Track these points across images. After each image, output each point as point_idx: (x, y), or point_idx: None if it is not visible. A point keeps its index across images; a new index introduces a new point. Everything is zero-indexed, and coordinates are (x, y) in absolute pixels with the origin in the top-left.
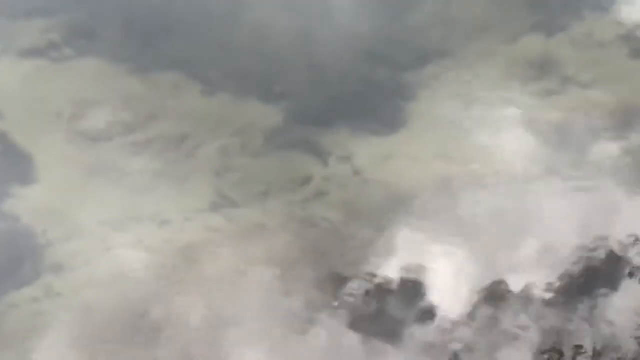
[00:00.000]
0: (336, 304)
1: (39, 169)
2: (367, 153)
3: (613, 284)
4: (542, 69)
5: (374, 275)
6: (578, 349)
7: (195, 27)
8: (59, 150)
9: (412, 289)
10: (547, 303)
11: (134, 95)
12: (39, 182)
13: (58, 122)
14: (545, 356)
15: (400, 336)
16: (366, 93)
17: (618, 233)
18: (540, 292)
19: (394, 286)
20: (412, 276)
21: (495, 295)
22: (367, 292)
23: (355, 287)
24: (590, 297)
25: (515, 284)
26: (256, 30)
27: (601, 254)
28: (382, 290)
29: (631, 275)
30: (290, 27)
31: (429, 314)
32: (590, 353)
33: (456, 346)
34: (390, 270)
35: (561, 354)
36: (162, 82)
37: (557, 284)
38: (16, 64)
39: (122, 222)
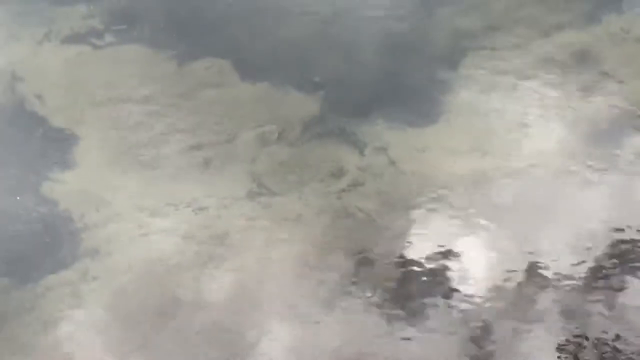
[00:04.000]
0: (369, 294)
1: (78, 154)
2: (403, 144)
3: None
4: (579, 63)
5: (407, 265)
6: (603, 333)
7: (236, 15)
8: (98, 136)
9: (443, 276)
10: (576, 288)
11: (173, 82)
12: (77, 167)
13: (98, 107)
14: (569, 340)
15: (429, 320)
16: (402, 85)
17: None
18: (569, 278)
19: (427, 275)
20: (443, 264)
21: (524, 281)
22: (401, 282)
23: (388, 276)
24: (618, 283)
25: (545, 272)
26: (296, 20)
27: (634, 244)
28: (415, 279)
29: None
30: (329, 17)
31: (458, 296)
32: (615, 338)
33: (482, 327)
34: (424, 260)
35: (586, 338)
36: (202, 69)
37: (587, 271)
38: (58, 49)
39: (158, 208)
